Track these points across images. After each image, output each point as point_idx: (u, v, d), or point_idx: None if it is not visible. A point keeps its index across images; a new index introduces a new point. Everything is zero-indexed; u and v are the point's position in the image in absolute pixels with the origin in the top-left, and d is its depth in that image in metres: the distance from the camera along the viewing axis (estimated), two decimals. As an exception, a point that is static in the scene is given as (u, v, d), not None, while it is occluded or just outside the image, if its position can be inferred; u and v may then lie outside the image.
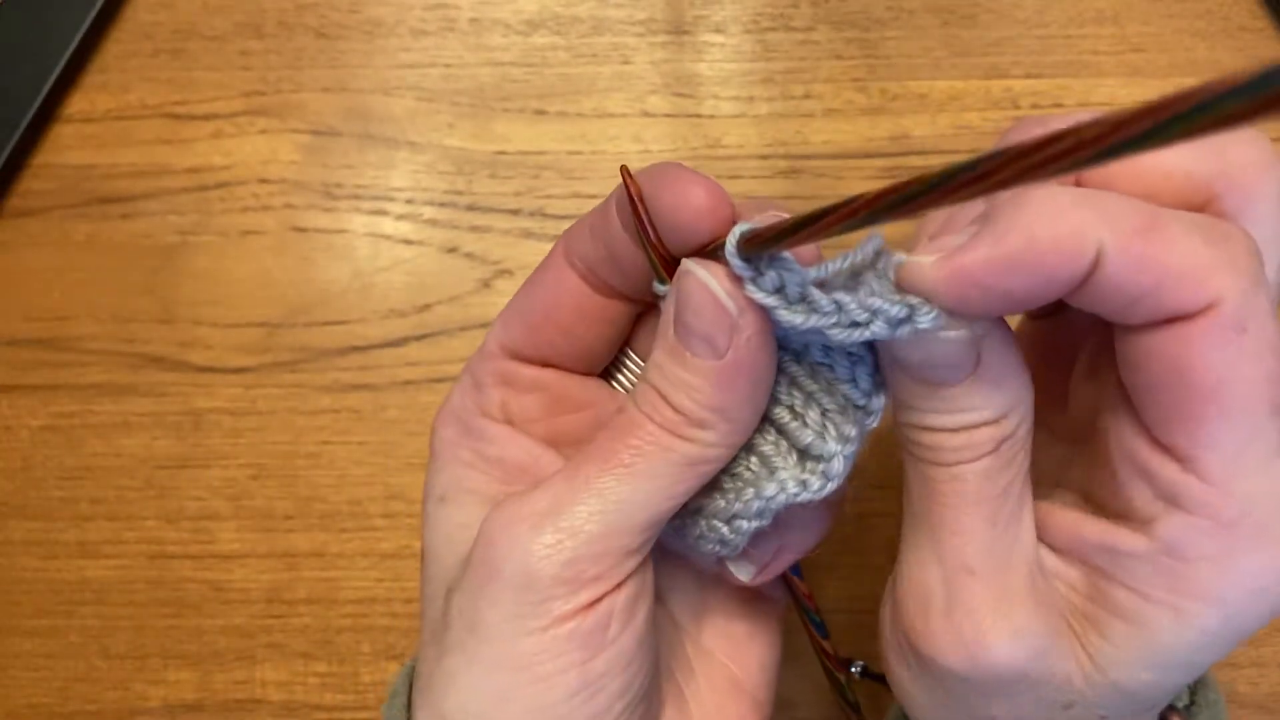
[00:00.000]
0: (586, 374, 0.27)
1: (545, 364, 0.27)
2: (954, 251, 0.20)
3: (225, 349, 0.40)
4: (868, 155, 0.40)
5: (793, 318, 0.22)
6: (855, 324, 0.21)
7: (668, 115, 0.41)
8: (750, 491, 0.24)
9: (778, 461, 0.24)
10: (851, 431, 0.23)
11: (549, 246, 0.40)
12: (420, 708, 0.24)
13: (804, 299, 0.22)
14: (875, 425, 0.23)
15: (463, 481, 0.26)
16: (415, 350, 0.39)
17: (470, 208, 0.41)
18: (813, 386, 0.24)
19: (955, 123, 0.41)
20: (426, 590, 0.26)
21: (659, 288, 0.24)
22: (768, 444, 0.24)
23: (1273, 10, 0.41)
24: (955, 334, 0.20)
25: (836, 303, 0.22)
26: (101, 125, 0.42)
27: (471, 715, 0.23)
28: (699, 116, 0.41)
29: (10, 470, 0.39)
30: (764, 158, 0.41)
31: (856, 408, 0.23)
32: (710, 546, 0.25)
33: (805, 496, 0.23)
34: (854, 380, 0.23)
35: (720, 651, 0.28)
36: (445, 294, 0.40)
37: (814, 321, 0.22)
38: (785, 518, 0.24)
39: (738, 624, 0.28)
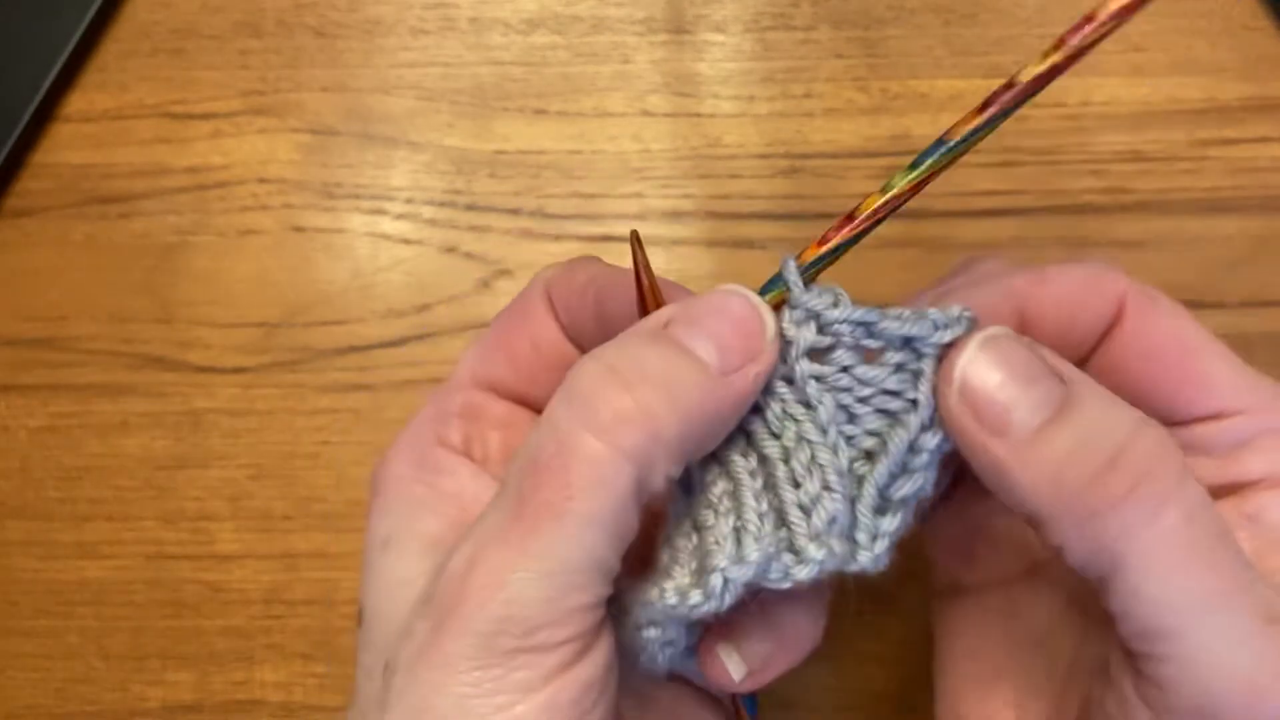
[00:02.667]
0: None
1: (518, 399, 0.26)
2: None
3: (224, 349, 0.40)
4: (868, 154, 0.40)
5: (851, 362, 0.22)
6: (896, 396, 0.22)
7: (668, 114, 0.41)
8: (651, 591, 0.22)
9: (678, 560, 0.22)
10: (754, 554, 0.21)
11: (549, 246, 0.40)
12: None
13: (871, 335, 0.22)
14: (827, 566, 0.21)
15: (411, 523, 0.24)
16: (414, 350, 0.39)
17: (470, 207, 0.41)
18: (749, 487, 0.22)
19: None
20: (363, 657, 0.24)
21: None
22: (681, 534, 0.22)
23: (1273, 10, 0.41)
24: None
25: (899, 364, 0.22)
26: (100, 125, 0.42)
27: None
28: (699, 116, 0.41)
29: (8, 470, 0.39)
30: (764, 157, 0.40)
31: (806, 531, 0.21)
32: (647, 645, 0.23)
33: (683, 611, 0.21)
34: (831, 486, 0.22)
35: None
36: (444, 294, 0.40)
37: (870, 375, 0.22)
38: (777, 618, 0.23)
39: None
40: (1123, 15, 0.20)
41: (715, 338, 0.21)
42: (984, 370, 0.21)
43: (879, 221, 0.23)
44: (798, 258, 0.23)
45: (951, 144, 0.22)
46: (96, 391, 0.39)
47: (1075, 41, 0.21)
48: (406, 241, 0.40)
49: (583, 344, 0.25)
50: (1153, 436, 0.20)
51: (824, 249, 0.23)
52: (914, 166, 0.22)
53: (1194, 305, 0.40)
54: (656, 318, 0.22)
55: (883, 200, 0.22)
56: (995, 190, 0.40)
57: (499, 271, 0.40)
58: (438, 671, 0.20)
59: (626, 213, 0.40)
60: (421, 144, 0.41)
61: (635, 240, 0.24)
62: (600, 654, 0.21)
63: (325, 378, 0.39)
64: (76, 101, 0.42)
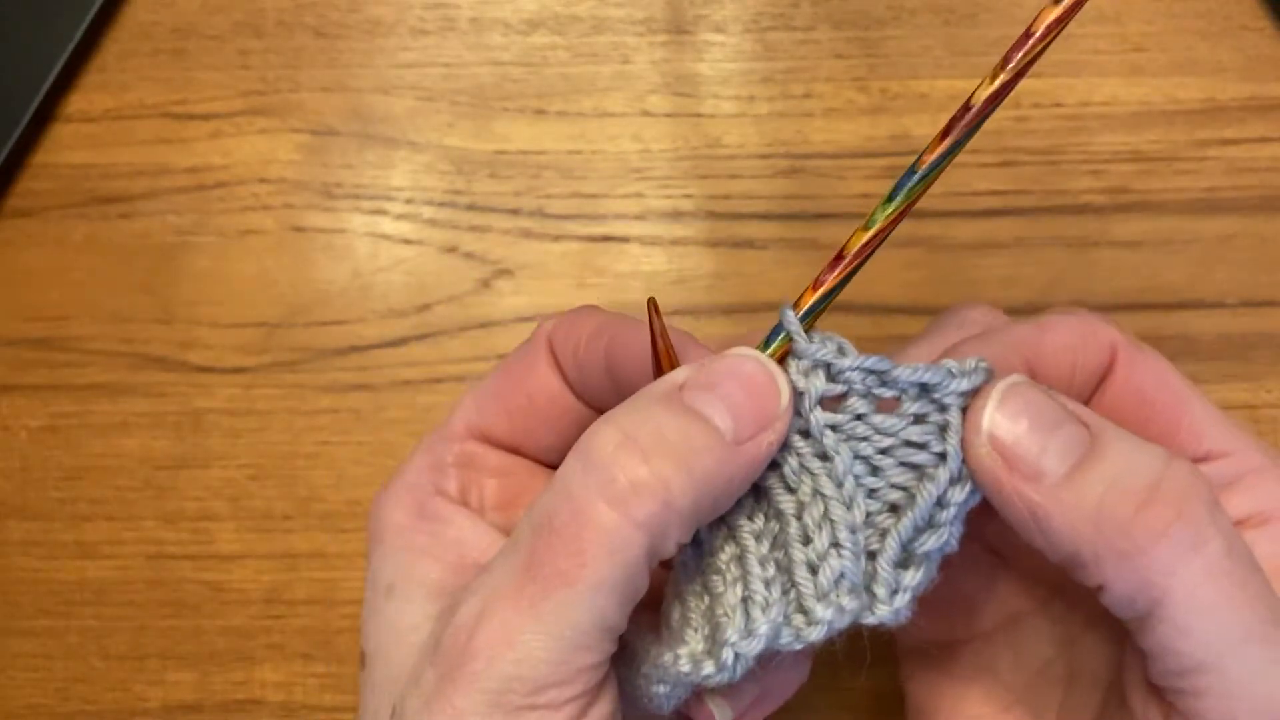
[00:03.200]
0: (554, 466, 0.26)
1: (515, 450, 0.26)
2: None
3: (224, 349, 0.40)
4: (868, 155, 0.40)
5: (865, 410, 0.22)
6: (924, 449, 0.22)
7: (668, 115, 0.41)
8: (665, 655, 0.22)
9: (690, 622, 0.22)
10: (763, 627, 0.21)
11: (549, 246, 0.40)
12: None
13: (885, 384, 0.22)
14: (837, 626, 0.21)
15: (412, 571, 0.24)
16: (415, 350, 0.39)
17: (470, 207, 0.41)
18: (755, 553, 0.22)
19: (956, 122, 0.40)
20: (367, 699, 0.24)
21: None
22: (692, 594, 0.22)
23: (1273, 10, 0.41)
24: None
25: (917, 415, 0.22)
26: (100, 125, 0.42)
27: None
28: (699, 116, 0.41)
29: (9, 470, 0.39)
30: (764, 157, 0.41)
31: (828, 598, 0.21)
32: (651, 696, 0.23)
33: (695, 679, 0.21)
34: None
35: None
36: (445, 294, 0.40)
37: (889, 426, 0.22)
38: (766, 665, 0.23)
39: None
40: (1058, 26, 0.21)
41: (730, 405, 0.21)
42: (1010, 418, 0.21)
43: (868, 257, 0.23)
44: (795, 305, 0.23)
45: (923, 171, 0.23)
46: (97, 391, 0.39)
47: (1019, 57, 0.22)
48: (407, 241, 0.40)
49: (586, 395, 0.26)
50: (1184, 468, 0.21)
51: (819, 293, 0.23)
52: (890, 199, 0.23)
53: (1193, 305, 0.40)
54: (671, 380, 0.22)
55: (868, 237, 0.23)
56: (995, 190, 0.40)
57: (499, 271, 0.40)
58: None
59: (626, 213, 0.40)
60: (422, 144, 0.41)
61: (653, 307, 0.24)
62: (604, 706, 0.21)
63: (325, 378, 0.39)
64: (77, 102, 0.42)
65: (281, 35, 0.42)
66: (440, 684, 0.21)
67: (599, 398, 0.25)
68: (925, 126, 0.40)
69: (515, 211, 0.40)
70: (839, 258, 0.23)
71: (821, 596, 0.21)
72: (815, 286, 0.23)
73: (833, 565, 0.21)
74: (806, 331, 0.23)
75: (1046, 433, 0.21)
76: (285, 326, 0.40)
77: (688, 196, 0.40)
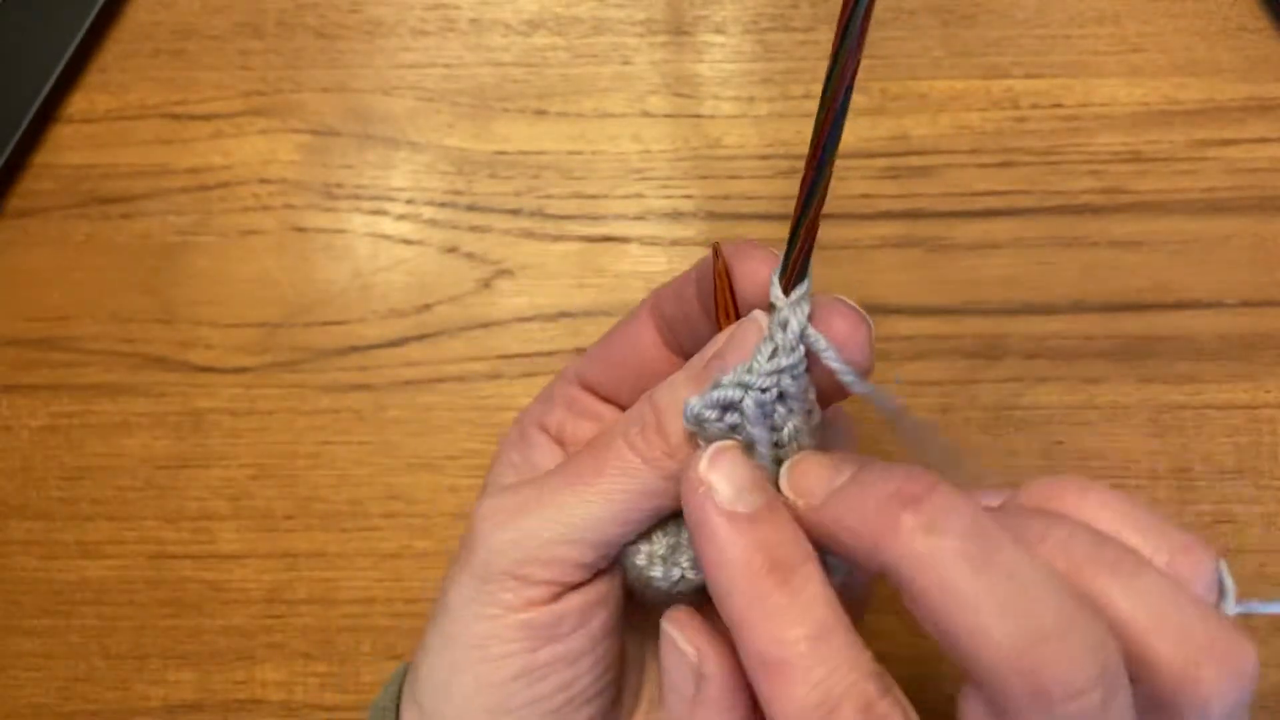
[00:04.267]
0: None
1: (610, 400, 0.29)
2: (827, 496, 0.22)
3: (225, 349, 0.40)
4: (868, 155, 0.40)
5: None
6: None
7: (668, 115, 0.41)
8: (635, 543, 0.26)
9: (664, 528, 0.26)
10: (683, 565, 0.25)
11: (549, 246, 0.40)
12: (409, 670, 0.27)
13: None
14: None
15: (501, 479, 0.29)
16: (415, 350, 0.40)
17: (470, 208, 0.41)
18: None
19: (955, 123, 0.41)
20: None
21: None
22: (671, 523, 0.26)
23: (1272, 10, 0.41)
24: None
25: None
26: (101, 125, 0.42)
27: (433, 681, 0.26)
28: (699, 117, 0.41)
29: (10, 470, 0.39)
30: (764, 158, 0.41)
31: None
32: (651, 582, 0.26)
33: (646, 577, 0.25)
34: None
35: None
36: (445, 294, 0.40)
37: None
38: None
39: None
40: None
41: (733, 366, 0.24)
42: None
43: (823, 157, 0.23)
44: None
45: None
46: (98, 391, 0.40)
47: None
48: (407, 242, 0.40)
49: (683, 348, 0.27)
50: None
51: (796, 224, 0.23)
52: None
53: (1193, 305, 0.40)
54: (704, 354, 0.25)
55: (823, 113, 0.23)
56: (994, 190, 0.40)
57: (500, 272, 0.40)
58: (457, 574, 0.25)
59: (627, 213, 0.40)
60: (422, 144, 0.41)
61: (717, 252, 0.25)
62: (576, 598, 0.25)
63: (326, 378, 0.39)
64: (78, 102, 0.42)
65: (282, 36, 0.42)
66: (461, 548, 0.26)
67: (684, 344, 0.28)
68: (924, 127, 0.41)
69: (515, 212, 0.40)
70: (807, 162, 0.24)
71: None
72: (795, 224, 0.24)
73: None
74: (796, 274, 0.23)
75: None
76: (286, 326, 0.40)
77: (688, 197, 0.40)
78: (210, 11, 0.43)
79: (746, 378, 0.23)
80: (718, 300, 0.25)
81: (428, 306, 0.40)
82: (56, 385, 0.40)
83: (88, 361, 0.40)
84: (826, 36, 0.42)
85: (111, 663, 0.38)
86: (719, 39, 0.42)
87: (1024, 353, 0.39)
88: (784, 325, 0.23)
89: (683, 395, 0.24)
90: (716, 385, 0.23)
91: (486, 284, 0.40)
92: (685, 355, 0.27)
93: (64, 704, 0.38)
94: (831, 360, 0.23)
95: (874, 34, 0.41)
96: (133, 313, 0.40)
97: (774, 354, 0.23)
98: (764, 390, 0.23)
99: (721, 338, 0.24)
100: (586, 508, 0.24)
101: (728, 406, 0.23)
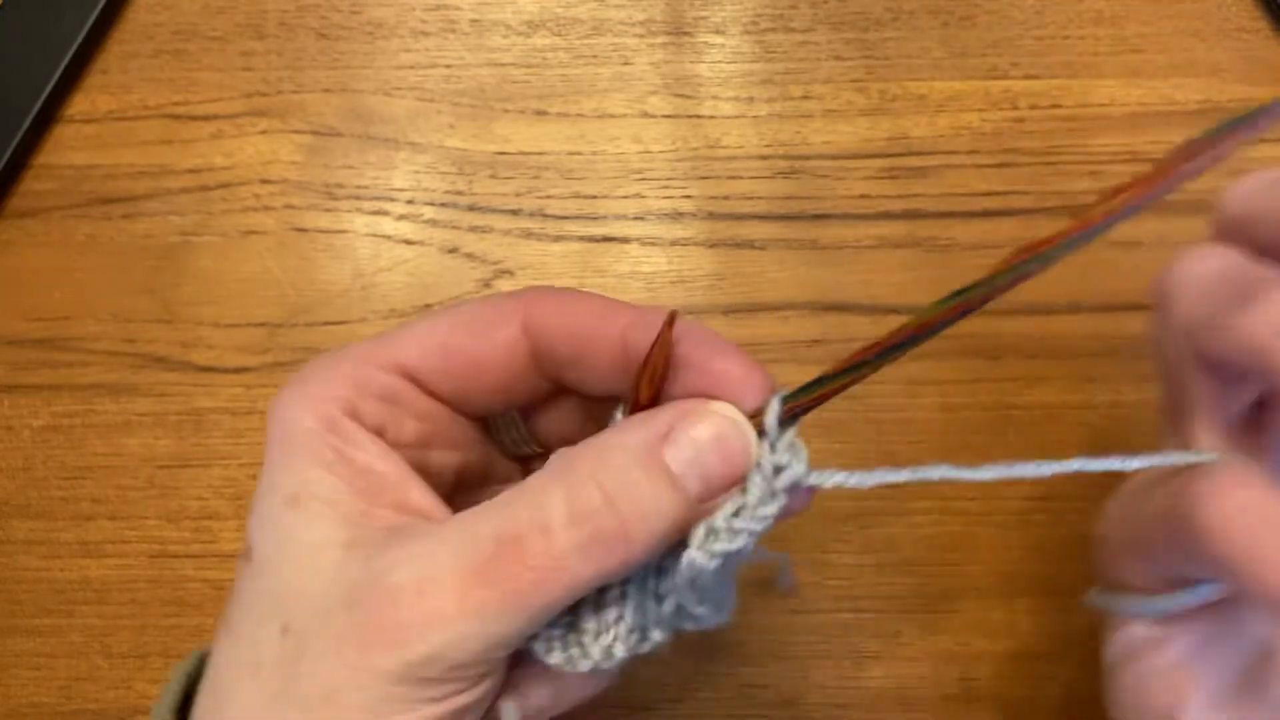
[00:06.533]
0: (478, 419, 0.27)
1: (444, 400, 0.26)
2: None
3: (226, 349, 0.40)
4: (867, 156, 0.41)
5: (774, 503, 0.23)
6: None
7: (668, 116, 0.41)
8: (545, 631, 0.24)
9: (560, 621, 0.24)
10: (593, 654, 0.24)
11: (550, 246, 0.40)
12: (211, 711, 0.24)
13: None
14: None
15: (319, 487, 0.23)
16: (416, 350, 0.40)
17: (471, 208, 0.41)
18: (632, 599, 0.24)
19: (954, 123, 0.41)
20: (253, 601, 0.24)
21: (618, 416, 0.24)
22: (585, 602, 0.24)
23: (1271, 11, 0.41)
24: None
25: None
26: (103, 126, 0.42)
27: None
28: (699, 117, 0.41)
29: (11, 470, 0.39)
30: (763, 158, 0.41)
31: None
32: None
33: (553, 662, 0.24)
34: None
35: None
36: (446, 294, 0.40)
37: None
38: (558, 675, 0.25)
39: None
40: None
41: (704, 473, 0.22)
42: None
43: (889, 351, 0.22)
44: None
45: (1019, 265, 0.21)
46: (99, 391, 0.40)
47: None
48: (408, 242, 0.40)
49: (560, 378, 0.25)
50: None
51: (816, 380, 0.22)
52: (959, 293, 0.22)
53: (1191, 305, 0.40)
54: (656, 430, 0.23)
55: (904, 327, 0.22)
56: (993, 191, 0.40)
57: (500, 272, 0.40)
58: (360, 674, 0.21)
59: (626, 213, 0.40)
60: (423, 145, 0.41)
61: (669, 323, 0.23)
62: (497, 677, 0.23)
63: (327, 377, 0.39)
64: (79, 103, 0.42)
65: (283, 37, 0.42)
66: (359, 636, 0.21)
67: (564, 379, 0.26)
68: (923, 128, 0.41)
69: (516, 212, 0.41)
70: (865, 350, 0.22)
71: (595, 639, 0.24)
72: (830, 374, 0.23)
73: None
74: (791, 415, 0.23)
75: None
76: (287, 326, 0.40)
77: (687, 197, 0.40)
78: (211, 12, 0.43)
79: (750, 525, 0.22)
80: (647, 363, 0.23)
81: (428, 307, 0.40)
82: (58, 385, 0.40)
83: (89, 361, 0.40)
84: (825, 37, 0.42)
85: (113, 662, 0.38)
86: (718, 40, 0.42)
87: (1023, 353, 0.39)
88: (777, 470, 0.22)
89: (648, 499, 0.22)
90: (712, 533, 0.22)
91: (487, 284, 0.40)
92: (555, 381, 0.25)
93: (65, 703, 0.38)
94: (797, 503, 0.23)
95: (874, 34, 0.42)
96: (134, 313, 0.40)
97: (766, 498, 0.22)
98: (752, 534, 0.22)
99: (699, 437, 0.23)
100: (529, 618, 0.22)
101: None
